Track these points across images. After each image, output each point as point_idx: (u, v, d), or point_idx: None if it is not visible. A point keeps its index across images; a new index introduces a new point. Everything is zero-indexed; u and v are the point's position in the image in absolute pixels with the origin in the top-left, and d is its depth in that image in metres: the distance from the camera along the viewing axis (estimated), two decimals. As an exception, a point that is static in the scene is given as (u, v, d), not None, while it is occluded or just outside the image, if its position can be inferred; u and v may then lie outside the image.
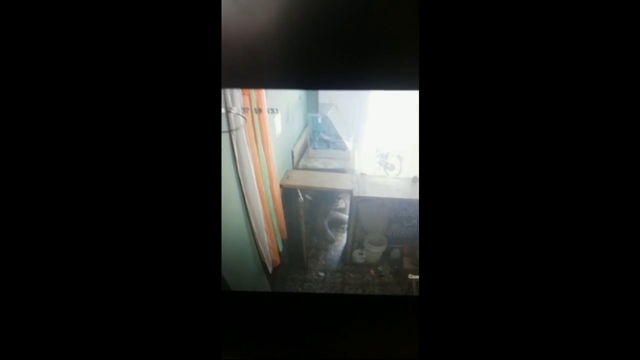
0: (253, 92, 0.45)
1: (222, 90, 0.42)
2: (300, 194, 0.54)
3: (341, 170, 0.50)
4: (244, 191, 0.53)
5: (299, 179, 0.52)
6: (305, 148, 0.51)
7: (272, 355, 0.56)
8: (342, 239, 0.58)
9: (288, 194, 0.54)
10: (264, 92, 0.45)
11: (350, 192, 0.51)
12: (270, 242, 0.59)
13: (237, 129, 0.47)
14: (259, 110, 0.46)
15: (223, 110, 0.43)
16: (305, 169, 0.52)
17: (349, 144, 0.48)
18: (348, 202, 0.53)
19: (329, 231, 0.57)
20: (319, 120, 0.46)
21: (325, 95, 0.44)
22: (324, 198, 0.54)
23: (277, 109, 0.45)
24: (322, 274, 0.60)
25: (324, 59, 0.44)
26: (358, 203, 0.52)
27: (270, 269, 0.60)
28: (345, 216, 0.56)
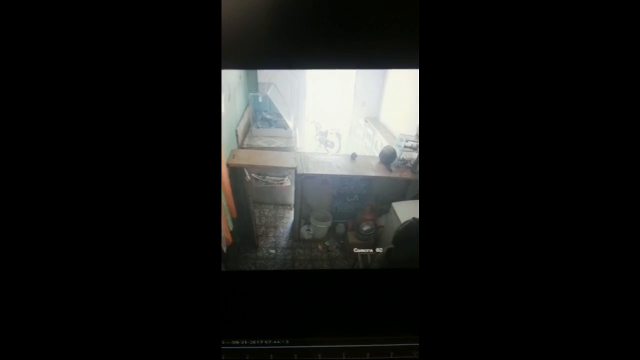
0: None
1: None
2: (247, 173, 0.56)
3: (285, 149, 0.53)
4: (192, 171, 0.54)
5: (244, 158, 0.54)
6: (248, 127, 0.53)
7: (232, 333, 0.58)
8: (290, 216, 0.61)
9: (235, 173, 0.56)
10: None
11: (294, 169, 0.54)
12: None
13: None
14: (201, 90, 0.47)
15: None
16: (250, 147, 0.54)
17: (290, 123, 0.51)
18: (293, 180, 0.56)
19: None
20: (260, 99, 0.49)
21: (264, 75, 0.47)
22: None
23: (218, 89, 0.47)
24: (272, 251, 0.62)
25: (265, 39, 0.45)
26: (302, 180, 0.55)
27: (224, 249, 0.61)
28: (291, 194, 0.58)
